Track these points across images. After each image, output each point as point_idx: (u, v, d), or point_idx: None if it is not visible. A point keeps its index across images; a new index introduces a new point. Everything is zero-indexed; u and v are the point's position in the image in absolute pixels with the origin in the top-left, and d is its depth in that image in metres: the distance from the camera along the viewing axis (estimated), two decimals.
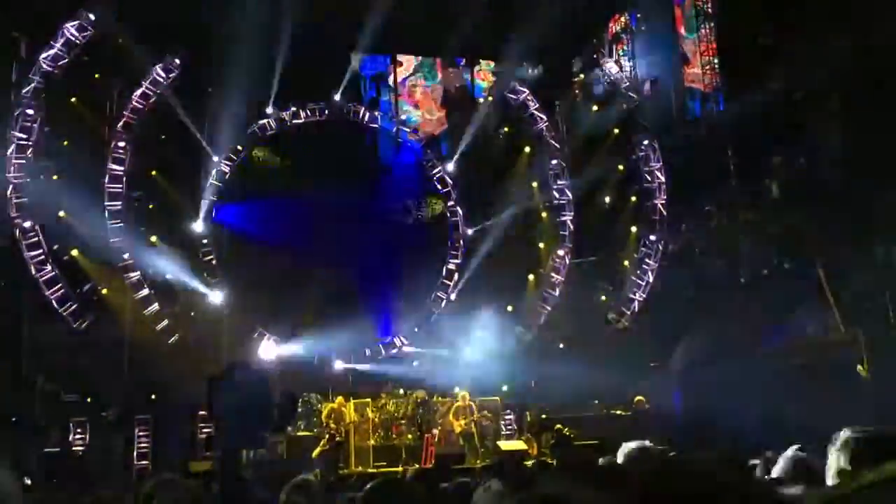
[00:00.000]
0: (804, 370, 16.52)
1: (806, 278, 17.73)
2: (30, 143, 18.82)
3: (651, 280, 22.73)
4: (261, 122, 21.40)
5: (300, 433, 17.55)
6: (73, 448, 16.77)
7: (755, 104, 20.00)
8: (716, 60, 24.43)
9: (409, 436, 17.87)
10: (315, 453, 16.22)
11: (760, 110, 19.97)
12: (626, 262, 23.19)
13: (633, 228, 23.24)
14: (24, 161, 18.75)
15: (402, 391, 18.93)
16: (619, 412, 19.09)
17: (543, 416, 18.71)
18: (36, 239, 18.74)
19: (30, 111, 18.80)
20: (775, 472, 3.85)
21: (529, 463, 15.09)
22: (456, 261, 22.39)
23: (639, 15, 24.97)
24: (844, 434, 2.92)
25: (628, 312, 22.56)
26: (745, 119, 21.09)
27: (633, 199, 23.42)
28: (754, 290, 19.69)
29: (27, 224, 18.67)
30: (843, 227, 17.17)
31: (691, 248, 23.05)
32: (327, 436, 16.52)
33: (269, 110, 21.51)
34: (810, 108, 19.54)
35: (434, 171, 22.83)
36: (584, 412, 19.23)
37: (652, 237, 22.94)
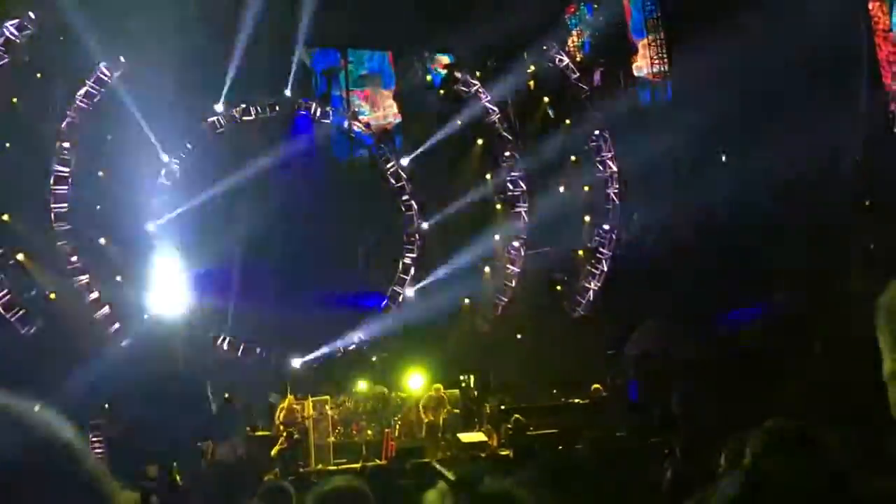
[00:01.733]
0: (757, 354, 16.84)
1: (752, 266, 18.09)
2: None
3: (605, 269, 22.95)
4: (210, 118, 21.07)
5: (260, 433, 17.39)
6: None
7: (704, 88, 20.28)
8: (663, 47, 24.71)
9: (370, 431, 17.83)
10: (273, 452, 16.11)
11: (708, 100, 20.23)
12: (581, 252, 23.36)
13: (587, 217, 23.42)
14: None
15: (362, 387, 18.87)
16: (576, 401, 19.24)
17: (502, 406, 18.77)
18: None
19: None
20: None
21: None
22: (412, 255, 22.34)
23: (595, 6, 25.11)
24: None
25: (583, 301, 22.76)
26: (694, 103, 21.33)
27: (586, 188, 23.59)
28: (705, 279, 20.00)
29: None
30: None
31: (645, 236, 23.30)
32: (285, 434, 16.41)
33: (219, 107, 21.16)
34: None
35: (388, 166, 22.72)
36: (542, 402, 19.36)
37: (605, 226, 23.15)
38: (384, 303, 21.97)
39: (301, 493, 4.37)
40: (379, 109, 24.26)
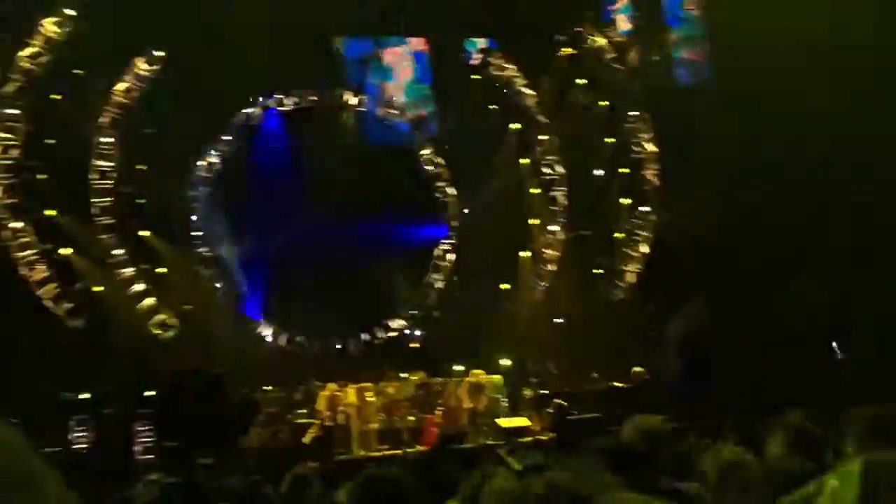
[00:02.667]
0: (802, 335, 16.59)
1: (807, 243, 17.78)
2: (15, 143, 18.64)
3: (645, 251, 22.73)
4: (247, 110, 21.23)
5: (301, 420, 17.55)
6: (74, 447, 16.74)
7: (745, 68, 19.90)
8: (703, 26, 24.24)
9: (411, 418, 17.90)
10: (307, 439, 16.26)
11: (752, 73, 19.85)
12: (620, 235, 23.17)
13: (625, 200, 23.20)
14: (10, 162, 18.58)
15: (400, 375, 18.96)
16: (618, 384, 19.12)
17: (544, 391, 18.73)
18: (27, 239, 18.62)
19: (12, 111, 18.60)
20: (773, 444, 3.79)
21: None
22: (449, 241, 22.33)
23: None
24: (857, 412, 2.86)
25: (623, 284, 22.60)
26: (736, 84, 20.95)
27: (624, 170, 23.35)
28: (751, 257, 19.69)
29: (17, 225, 18.53)
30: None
31: (684, 217, 22.98)
32: (318, 422, 16.56)
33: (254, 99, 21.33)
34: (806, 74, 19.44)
35: (423, 152, 22.69)
36: (583, 386, 19.27)
37: (644, 208, 22.91)
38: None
39: (337, 480, 4.39)
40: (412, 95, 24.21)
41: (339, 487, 4.28)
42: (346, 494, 2.52)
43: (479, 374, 18.00)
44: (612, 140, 23.36)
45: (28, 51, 18.72)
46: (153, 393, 17.29)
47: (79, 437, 17.02)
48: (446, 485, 4.96)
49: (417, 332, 21.96)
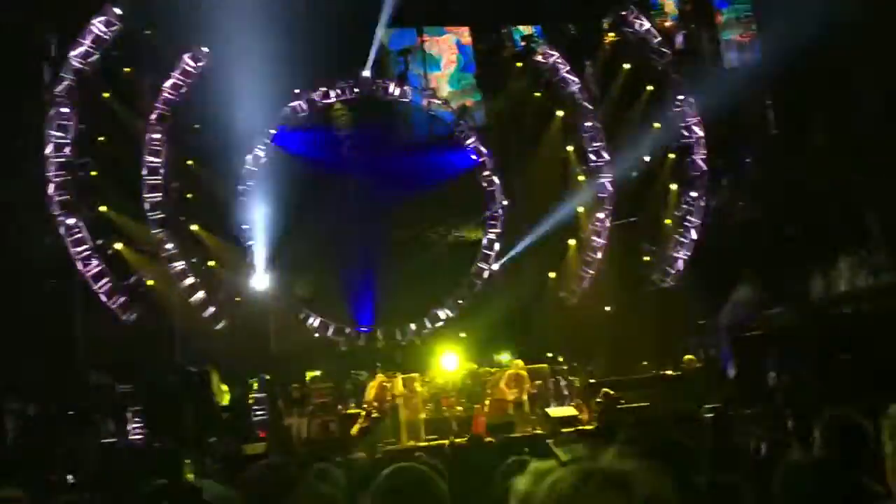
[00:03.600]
0: (853, 320, 16.16)
1: (852, 228, 17.31)
2: (67, 140, 19.06)
3: (695, 237, 22.40)
4: (291, 104, 21.39)
5: (350, 411, 17.68)
6: (130, 438, 17.11)
7: (794, 51, 19.42)
8: (750, 7, 23.78)
9: (459, 408, 17.90)
10: (353, 430, 16.35)
11: (800, 58, 19.38)
12: (668, 221, 22.86)
13: (673, 186, 22.87)
14: (63, 159, 19.02)
15: (451, 363, 18.95)
16: (668, 373, 18.87)
17: (592, 380, 18.58)
18: (80, 235, 19.04)
19: (65, 109, 19.02)
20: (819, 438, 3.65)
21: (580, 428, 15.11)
22: (495, 230, 22.25)
23: None
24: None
25: (672, 271, 22.31)
26: (785, 66, 20.50)
27: (672, 155, 23.02)
28: (799, 242, 19.27)
29: (71, 221, 18.96)
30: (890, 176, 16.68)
31: (733, 202, 22.60)
32: (363, 413, 16.64)
33: (299, 92, 21.47)
34: (852, 52, 18.90)
35: (468, 142, 22.63)
36: (632, 375, 19.07)
37: (693, 193, 22.56)
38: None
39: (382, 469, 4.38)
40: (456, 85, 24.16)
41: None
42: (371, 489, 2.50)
43: (519, 365, 17.89)
44: (659, 125, 23.03)
45: (78, 50, 19.10)
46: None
47: (134, 427, 17.38)
48: (487, 474, 4.94)
49: (465, 322, 21.94)
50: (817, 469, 2.49)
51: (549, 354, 19.91)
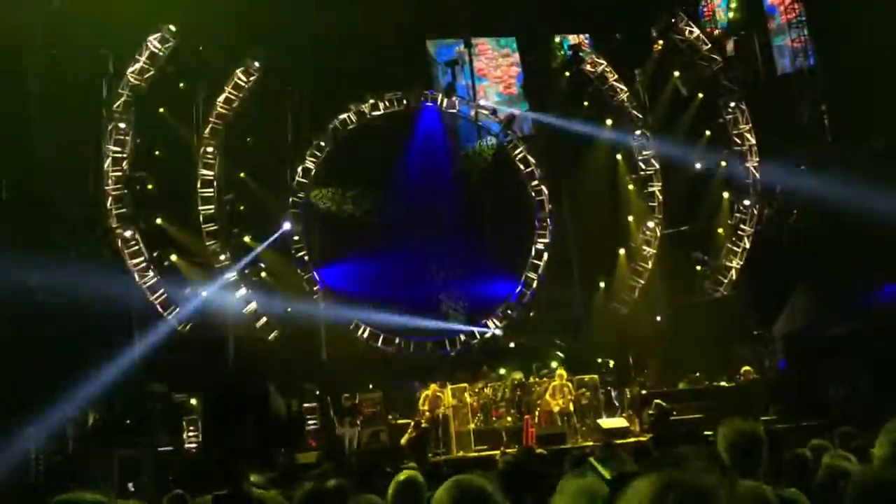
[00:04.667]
0: None
1: None
2: (124, 155, 19.52)
3: (748, 246, 22.03)
4: (341, 116, 21.61)
5: (401, 420, 17.73)
6: (186, 446, 17.37)
7: (848, 56, 19.07)
8: (803, 12, 23.35)
9: (509, 418, 17.84)
10: (403, 441, 16.37)
11: (854, 63, 19.02)
12: (721, 230, 22.53)
13: (726, 194, 22.55)
14: (120, 173, 19.46)
15: (501, 372, 18.92)
16: (722, 384, 18.57)
17: (644, 391, 18.36)
18: (137, 247, 19.46)
19: (122, 125, 19.48)
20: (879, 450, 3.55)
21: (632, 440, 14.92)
22: (544, 240, 22.17)
23: None
24: None
25: (725, 280, 21.97)
26: (839, 72, 20.13)
27: (724, 163, 22.69)
28: (857, 249, 18.82)
29: (128, 233, 19.39)
30: None
31: (788, 209, 22.17)
32: (412, 423, 16.65)
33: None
34: None
35: (516, 152, 22.61)
36: (685, 386, 18.80)
37: (746, 202, 22.22)
38: (518, 289, 21.92)
39: (432, 480, 4.38)
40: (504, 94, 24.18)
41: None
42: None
43: (562, 375, 17.73)
44: (710, 133, 22.75)
45: (135, 66, 19.57)
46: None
47: (190, 436, 17.64)
48: (534, 487, 4.92)
49: (515, 333, 21.88)
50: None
51: (600, 362, 19.73)
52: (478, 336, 21.54)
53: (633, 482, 1.59)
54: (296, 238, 20.85)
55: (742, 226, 22.19)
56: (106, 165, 19.42)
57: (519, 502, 4.33)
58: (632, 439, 15.87)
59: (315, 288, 20.73)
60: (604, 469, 3.64)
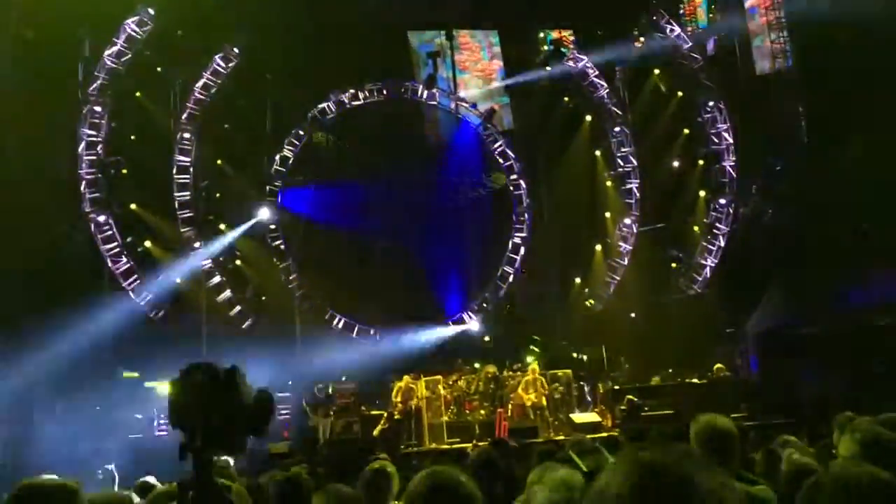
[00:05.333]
0: (890, 329, 15.91)
1: (886, 235, 17.05)
2: (99, 139, 19.29)
3: (723, 244, 22.20)
4: (320, 105, 21.48)
5: (374, 412, 17.71)
6: (157, 434, 17.25)
7: (826, 58, 19.22)
8: (782, 13, 23.50)
9: (482, 411, 17.85)
10: (376, 432, 16.37)
11: (832, 64, 19.18)
12: (696, 228, 22.68)
13: (702, 193, 22.69)
14: (94, 157, 19.24)
15: (474, 366, 18.92)
16: (694, 381, 18.70)
17: (616, 386, 18.45)
18: (110, 232, 19.26)
19: (97, 108, 19.26)
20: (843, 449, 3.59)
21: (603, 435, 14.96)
22: (521, 234, 22.20)
23: None
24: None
25: (700, 278, 22.13)
26: (816, 73, 20.29)
27: (701, 162, 22.84)
28: (831, 251, 19.01)
29: (101, 218, 19.18)
30: None
31: (763, 209, 22.36)
32: (385, 414, 16.66)
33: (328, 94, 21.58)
34: (887, 58, 18.62)
35: (495, 146, 22.61)
36: (657, 382, 18.91)
37: (722, 200, 22.38)
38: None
39: (404, 472, 4.37)
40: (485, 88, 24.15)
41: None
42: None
43: (536, 369, 17.77)
44: (688, 131, 22.88)
45: (112, 49, 19.33)
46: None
47: (161, 424, 17.51)
48: (508, 480, 4.91)
49: (490, 326, 21.92)
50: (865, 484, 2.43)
51: (574, 357, 19.81)
52: (453, 329, 21.54)
53: (611, 463, 1.56)
54: (272, 227, 20.72)
55: (717, 224, 22.35)
56: (80, 149, 19.19)
57: (490, 494, 4.32)
58: (603, 434, 15.96)
59: (291, 277, 20.61)
60: (581, 462, 3.64)
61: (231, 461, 6.20)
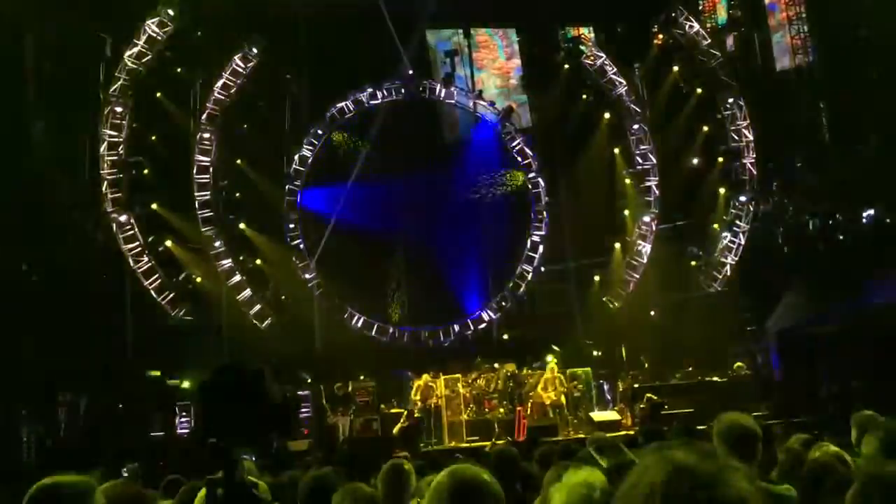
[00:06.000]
0: None
1: None
2: (120, 139, 19.47)
3: (743, 242, 22.05)
4: (338, 104, 21.53)
5: (393, 410, 17.77)
6: (178, 432, 17.40)
7: (848, 54, 19.06)
8: (803, 9, 23.32)
9: (502, 409, 17.88)
10: (395, 430, 16.42)
11: (854, 61, 19.02)
12: (716, 226, 22.54)
13: (722, 190, 22.55)
14: (116, 157, 19.42)
15: (493, 365, 18.95)
16: (714, 379, 18.62)
17: (636, 384, 18.40)
18: (132, 232, 19.43)
19: (118, 108, 19.43)
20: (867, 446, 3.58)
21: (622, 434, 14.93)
22: (540, 233, 22.14)
23: None
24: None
25: (720, 276, 21.99)
26: (838, 69, 20.12)
27: (721, 159, 22.69)
28: (853, 248, 18.86)
29: (123, 218, 19.36)
30: None
31: (784, 206, 22.19)
32: (405, 412, 16.72)
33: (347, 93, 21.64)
34: None
35: (513, 144, 22.57)
36: (677, 380, 18.85)
37: (742, 198, 22.21)
38: (512, 282, 21.91)
39: (426, 470, 4.39)
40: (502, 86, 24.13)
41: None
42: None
43: (555, 368, 17.75)
44: (708, 128, 22.74)
45: (132, 50, 19.49)
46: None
47: (182, 422, 17.66)
48: (526, 479, 4.93)
49: (509, 324, 21.90)
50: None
51: (593, 356, 19.77)
52: (472, 327, 21.54)
53: (639, 462, 1.56)
54: (291, 226, 20.79)
55: (738, 222, 22.19)
56: (102, 149, 19.38)
57: (508, 492, 4.34)
58: (622, 432, 15.92)
59: (311, 276, 20.69)
60: (602, 459, 3.64)
61: (253, 458, 6.25)
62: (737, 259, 22.02)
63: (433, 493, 2.46)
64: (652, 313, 21.80)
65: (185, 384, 18.14)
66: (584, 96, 23.23)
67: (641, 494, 1.41)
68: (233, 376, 2.20)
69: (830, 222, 20.57)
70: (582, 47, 22.89)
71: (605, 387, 19.07)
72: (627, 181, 22.87)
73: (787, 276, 20.04)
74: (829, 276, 18.74)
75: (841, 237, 19.92)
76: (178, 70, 20.51)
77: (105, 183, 19.33)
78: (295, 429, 17.06)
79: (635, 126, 22.60)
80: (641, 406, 16.93)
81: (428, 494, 2.51)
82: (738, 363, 18.66)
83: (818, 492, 3.41)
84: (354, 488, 3.71)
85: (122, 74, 19.47)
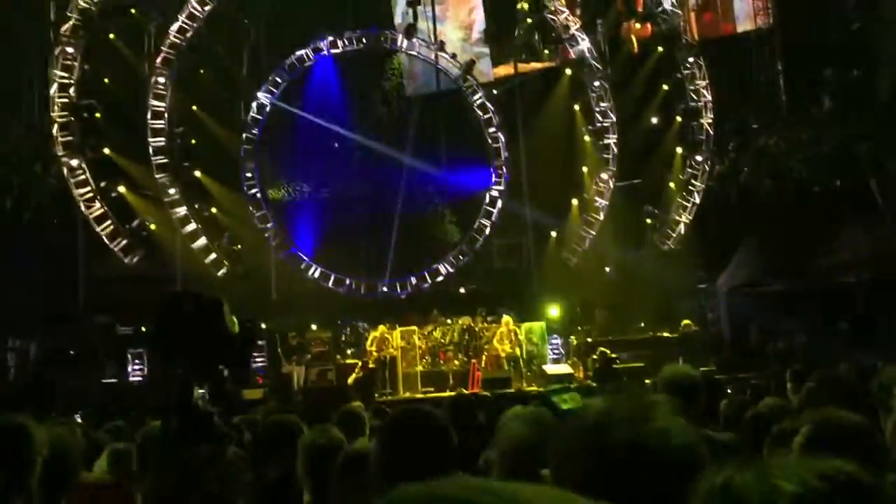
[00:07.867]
0: (857, 288, 16.23)
1: (857, 196, 17.29)
2: (71, 81, 18.96)
3: (698, 201, 22.34)
4: (298, 52, 21.18)
5: (348, 360, 17.86)
6: (130, 379, 17.30)
7: (806, 17, 19.22)
8: None
9: (456, 362, 18.08)
10: (350, 380, 16.54)
11: (812, 20, 19.20)
12: (672, 184, 22.79)
13: (679, 149, 22.74)
14: (66, 100, 18.93)
15: (450, 319, 19.09)
16: (665, 335, 19.00)
17: (588, 339, 18.72)
18: (83, 177, 19.05)
19: (70, 49, 18.88)
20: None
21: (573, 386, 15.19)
22: (499, 188, 22.18)
23: None
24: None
25: (674, 234, 22.30)
26: (796, 31, 20.29)
27: (679, 118, 22.84)
28: (803, 209, 19.24)
29: (74, 162, 18.95)
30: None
31: (739, 167, 22.48)
32: (359, 363, 16.83)
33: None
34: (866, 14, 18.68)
35: (475, 97, 22.44)
36: (630, 335, 19.20)
37: (698, 157, 22.44)
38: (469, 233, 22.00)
39: (377, 420, 4.45)
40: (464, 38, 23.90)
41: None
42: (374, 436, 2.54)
43: (509, 321, 17.97)
44: (667, 87, 22.84)
45: None
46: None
47: (135, 370, 17.57)
48: (480, 427, 5.02)
49: (465, 278, 22.03)
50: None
51: (551, 312, 20.01)
52: (429, 280, 21.61)
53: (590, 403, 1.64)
54: (248, 175, 20.54)
55: (693, 181, 22.44)
56: (52, 91, 18.86)
57: (462, 438, 4.42)
58: (575, 385, 16.22)
59: (268, 225, 20.52)
60: (560, 400, 3.71)
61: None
62: (691, 218, 22.32)
63: (384, 427, 2.51)
64: (607, 270, 22.07)
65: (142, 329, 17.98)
66: (546, 51, 23.13)
67: (574, 430, 1.49)
68: (192, 301, 2.20)
69: (783, 183, 20.89)
70: (545, 1, 22.72)
71: (559, 341, 19.33)
72: (586, 138, 22.93)
73: (739, 236, 20.41)
74: (780, 236, 19.13)
75: (793, 198, 20.25)
76: (133, 11, 19.95)
77: (55, 126, 18.85)
78: (249, 364, 17.09)
79: (596, 83, 22.61)
80: (594, 359, 17.23)
81: (378, 430, 2.57)
82: (686, 321, 19.02)
83: (761, 440, 3.53)
84: (325, 428, 3.76)
85: (73, 14, 18.89)
